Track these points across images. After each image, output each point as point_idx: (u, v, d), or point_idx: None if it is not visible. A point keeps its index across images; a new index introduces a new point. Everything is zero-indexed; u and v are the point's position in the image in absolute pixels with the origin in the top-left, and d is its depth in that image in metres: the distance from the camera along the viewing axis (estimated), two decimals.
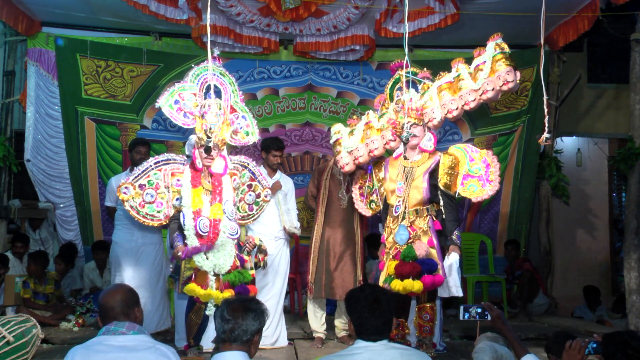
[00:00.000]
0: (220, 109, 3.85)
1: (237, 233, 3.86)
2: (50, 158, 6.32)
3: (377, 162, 4.27)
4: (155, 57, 6.44)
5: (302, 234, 5.26)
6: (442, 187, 3.88)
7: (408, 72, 3.97)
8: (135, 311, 2.43)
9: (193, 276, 3.74)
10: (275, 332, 4.67)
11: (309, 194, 4.88)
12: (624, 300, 5.60)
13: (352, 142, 4.17)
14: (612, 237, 8.03)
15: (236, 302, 2.37)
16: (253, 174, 4.19)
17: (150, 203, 3.79)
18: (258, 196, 4.23)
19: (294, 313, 5.95)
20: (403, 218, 3.89)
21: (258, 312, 2.32)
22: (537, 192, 6.98)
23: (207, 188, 3.85)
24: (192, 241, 3.70)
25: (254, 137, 4.10)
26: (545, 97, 3.84)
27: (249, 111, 4.10)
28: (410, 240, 3.82)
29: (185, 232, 3.73)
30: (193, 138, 3.87)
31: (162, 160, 3.86)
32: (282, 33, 6.25)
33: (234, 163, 4.06)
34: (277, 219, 4.80)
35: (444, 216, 3.90)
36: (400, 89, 4.07)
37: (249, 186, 4.17)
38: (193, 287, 3.68)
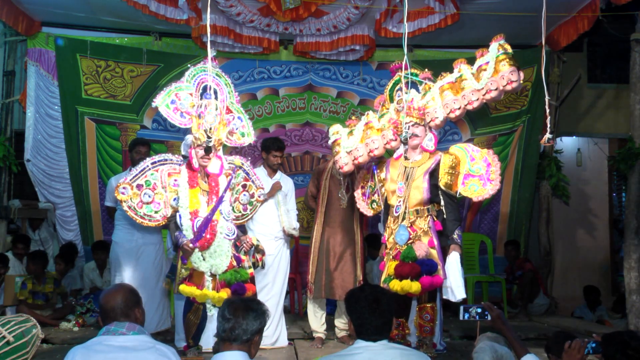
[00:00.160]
0: (216, 109, 3.86)
1: (233, 233, 3.87)
2: (50, 158, 6.31)
3: (380, 162, 4.27)
4: (155, 57, 6.44)
5: (302, 234, 5.26)
6: (443, 187, 3.87)
7: (407, 73, 3.98)
8: (136, 312, 2.43)
9: (189, 277, 3.74)
10: (275, 332, 4.68)
11: (308, 194, 4.89)
12: (624, 300, 5.60)
13: (351, 142, 4.17)
14: (612, 237, 8.03)
15: (238, 301, 2.38)
16: (247, 174, 4.20)
17: (147, 203, 3.79)
18: (252, 196, 4.25)
19: (294, 313, 5.95)
20: (403, 218, 3.89)
21: (259, 312, 2.32)
22: (537, 192, 6.97)
23: (204, 188, 3.86)
24: None
25: (250, 138, 4.11)
26: (546, 98, 3.85)
27: (245, 112, 4.12)
28: (410, 241, 3.82)
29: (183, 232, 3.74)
30: (189, 138, 3.87)
31: (158, 161, 3.86)
32: (282, 33, 6.25)
33: (229, 163, 4.07)
34: (276, 219, 4.80)
35: (444, 216, 3.90)
36: (400, 89, 4.07)
37: (244, 186, 4.18)
38: (185, 288, 3.70)
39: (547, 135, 3.72)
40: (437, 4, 5.61)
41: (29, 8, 5.94)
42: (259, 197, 4.28)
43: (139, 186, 3.77)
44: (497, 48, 3.70)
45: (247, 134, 4.10)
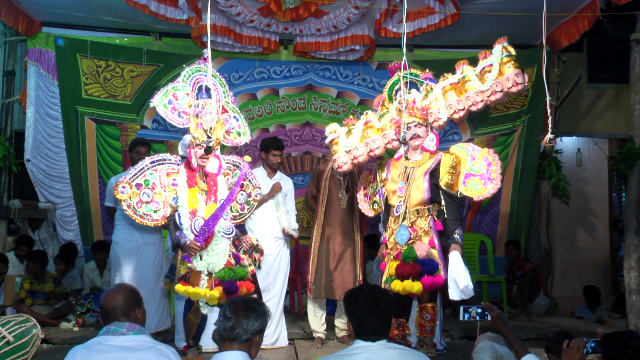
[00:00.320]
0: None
1: (232, 232, 3.87)
2: (50, 158, 6.32)
3: (381, 163, 4.27)
4: (155, 57, 6.44)
5: (302, 234, 5.25)
6: (443, 187, 3.87)
7: (407, 73, 3.97)
8: (137, 312, 2.43)
9: (187, 276, 3.74)
10: (275, 332, 4.68)
11: (309, 194, 4.89)
12: (624, 300, 5.60)
13: (350, 142, 4.14)
14: (612, 237, 8.03)
15: (239, 301, 2.38)
16: (245, 173, 4.20)
17: (147, 203, 3.79)
18: (249, 195, 4.25)
19: (294, 313, 5.95)
20: (404, 218, 3.89)
21: (260, 312, 2.33)
22: (537, 192, 6.97)
23: (203, 188, 3.86)
24: None
25: (246, 137, 4.14)
26: (547, 98, 3.85)
27: (240, 112, 4.13)
28: (411, 241, 3.81)
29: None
30: (187, 138, 3.88)
31: (157, 160, 3.87)
32: (282, 33, 6.25)
33: (227, 163, 4.07)
34: (276, 220, 4.80)
35: (445, 216, 3.90)
36: (399, 89, 4.06)
37: (241, 185, 4.18)
38: (180, 287, 3.70)
39: (549, 136, 3.72)
40: (437, 4, 5.61)
41: (28, 8, 5.95)
42: (256, 196, 4.28)
43: (138, 185, 3.77)
44: (501, 50, 3.69)
45: (243, 133, 4.11)
